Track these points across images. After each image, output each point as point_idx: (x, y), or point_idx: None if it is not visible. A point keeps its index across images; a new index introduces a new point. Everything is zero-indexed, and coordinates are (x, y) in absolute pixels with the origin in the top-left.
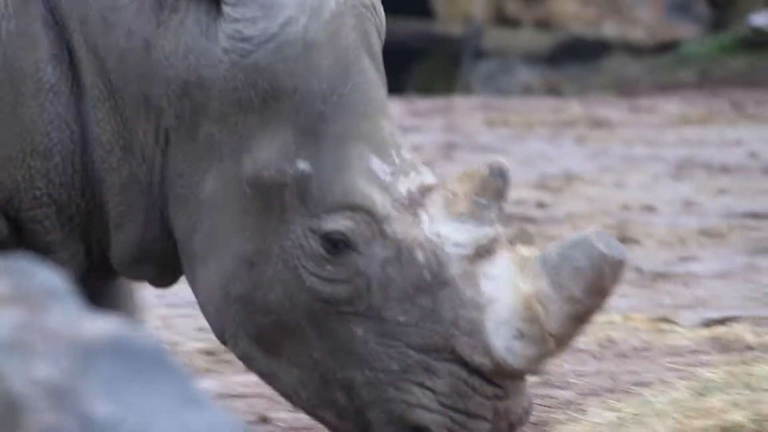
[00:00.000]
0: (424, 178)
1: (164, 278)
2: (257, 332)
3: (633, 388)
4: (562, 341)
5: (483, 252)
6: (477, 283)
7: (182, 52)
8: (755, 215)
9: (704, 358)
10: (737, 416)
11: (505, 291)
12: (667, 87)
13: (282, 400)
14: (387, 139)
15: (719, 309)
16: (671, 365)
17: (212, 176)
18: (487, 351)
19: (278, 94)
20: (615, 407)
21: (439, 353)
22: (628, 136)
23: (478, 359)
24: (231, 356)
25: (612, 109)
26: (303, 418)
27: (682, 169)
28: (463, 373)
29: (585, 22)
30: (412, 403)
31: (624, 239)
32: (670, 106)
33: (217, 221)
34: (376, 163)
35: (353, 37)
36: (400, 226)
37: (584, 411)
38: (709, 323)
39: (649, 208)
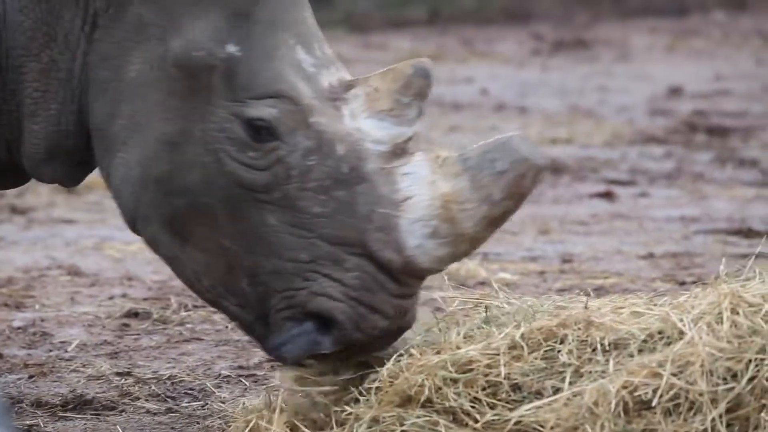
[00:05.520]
0: (342, 74)
1: (74, 177)
2: (170, 214)
3: None
4: (474, 243)
5: (400, 150)
6: (394, 181)
7: None
8: None
9: None
10: None
11: (421, 189)
12: (398, 23)
13: None
14: (311, 30)
15: None
16: None
17: (137, 58)
18: (398, 248)
19: None
20: None
21: (351, 247)
22: (361, 73)
23: (388, 255)
24: None
25: (344, 45)
26: None
27: None
28: (372, 269)
29: None
30: (316, 291)
31: None
32: (402, 42)
33: (140, 104)
34: (301, 54)
35: None
36: (323, 118)
37: None
38: None
39: None
